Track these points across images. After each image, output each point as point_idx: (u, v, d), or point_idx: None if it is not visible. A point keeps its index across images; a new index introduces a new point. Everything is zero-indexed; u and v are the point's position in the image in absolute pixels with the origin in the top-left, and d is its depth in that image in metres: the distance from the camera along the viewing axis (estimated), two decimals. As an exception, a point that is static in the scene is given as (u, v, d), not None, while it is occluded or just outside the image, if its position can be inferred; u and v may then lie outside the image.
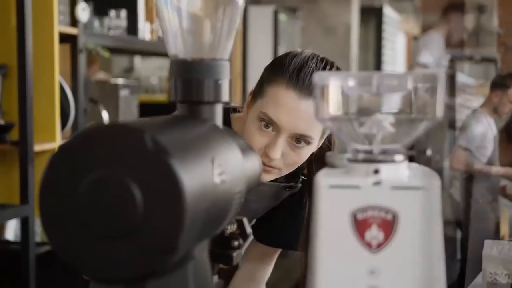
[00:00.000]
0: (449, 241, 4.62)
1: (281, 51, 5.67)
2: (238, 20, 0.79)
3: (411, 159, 0.69)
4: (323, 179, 0.65)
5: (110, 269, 0.58)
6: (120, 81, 3.09)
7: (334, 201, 0.65)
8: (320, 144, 1.31)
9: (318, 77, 0.66)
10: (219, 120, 0.77)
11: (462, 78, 5.61)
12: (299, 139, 1.23)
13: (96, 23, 2.84)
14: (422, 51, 4.48)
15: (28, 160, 2.22)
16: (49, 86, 2.38)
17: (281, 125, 1.21)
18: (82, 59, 2.57)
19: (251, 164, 0.79)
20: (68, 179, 0.59)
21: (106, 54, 2.65)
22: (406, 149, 0.68)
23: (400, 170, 0.66)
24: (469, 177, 4.27)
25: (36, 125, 2.32)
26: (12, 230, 2.92)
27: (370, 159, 0.66)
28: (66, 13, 2.54)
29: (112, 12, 2.97)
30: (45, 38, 2.38)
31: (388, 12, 7.47)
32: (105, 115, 2.88)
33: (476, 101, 7.30)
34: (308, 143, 1.24)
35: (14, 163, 2.32)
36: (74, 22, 2.57)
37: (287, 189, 1.40)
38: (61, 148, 0.59)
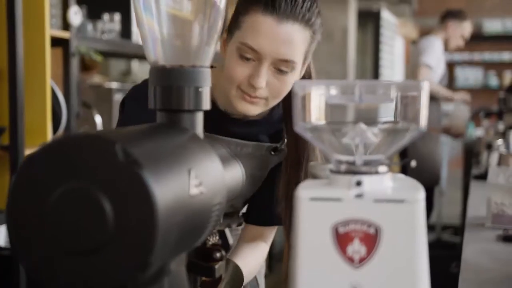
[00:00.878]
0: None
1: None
2: (220, 25, 0.76)
3: (403, 168, 0.66)
4: (304, 191, 0.63)
5: (79, 285, 0.56)
6: (114, 85, 3.07)
7: (315, 214, 0.62)
8: (303, 73, 1.29)
9: (298, 85, 0.64)
10: (199, 129, 0.74)
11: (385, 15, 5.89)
12: (282, 67, 1.21)
13: (90, 26, 2.82)
14: (425, 51, 4.44)
15: (18, 165, 2.19)
16: (41, 90, 2.35)
17: (262, 52, 1.19)
18: (74, 63, 2.55)
19: (232, 174, 0.77)
20: (36, 191, 0.57)
21: (98, 58, 2.63)
22: (391, 160, 0.66)
23: (383, 182, 0.64)
24: None
25: (28, 130, 2.30)
26: (3, 236, 2.89)
27: (352, 170, 0.64)
28: (58, 16, 2.52)
29: (106, 16, 2.95)
30: (36, 41, 2.35)
31: (386, 16, 7.45)
32: (98, 120, 2.85)
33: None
34: (292, 68, 1.22)
35: (4, 168, 2.29)
36: (66, 25, 2.54)
37: (273, 153, 1.36)
38: (29, 158, 0.57)
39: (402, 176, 0.69)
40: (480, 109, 9.60)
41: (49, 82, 2.37)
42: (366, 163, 0.64)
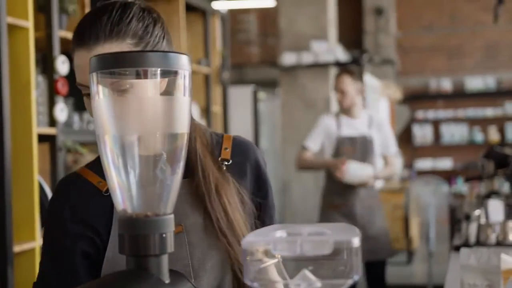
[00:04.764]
0: None
1: (262, 127, 5.82)
2: (180, 175, 0.85)
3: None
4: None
5: None
6: (101, 171, 3.13)
7: None
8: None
9: (246, 242, 0.72)
10: (164, 270, 0.82)
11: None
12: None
13: (76, 118, 2.92)
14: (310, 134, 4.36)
15: (7, 263, 2.25)
16: (28, 187, 2.42)
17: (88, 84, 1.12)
18: (61, 157, 2.63)
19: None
20: None
21: (84, 151, 2.72)
22: None
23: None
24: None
25: (15, 225, 2.36)
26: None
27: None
28: (45, 113, 2.61)
29: (92, 106, 3.04)
30: (24, 139, 2.44)
31: (369, 80, 7.62)
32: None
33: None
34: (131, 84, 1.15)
35: (-7, 266, 2.34)
36: (53, 121, 2.64)
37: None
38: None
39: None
40: (466, 167, 9.73)
41: (37, 179, 2.45)
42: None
